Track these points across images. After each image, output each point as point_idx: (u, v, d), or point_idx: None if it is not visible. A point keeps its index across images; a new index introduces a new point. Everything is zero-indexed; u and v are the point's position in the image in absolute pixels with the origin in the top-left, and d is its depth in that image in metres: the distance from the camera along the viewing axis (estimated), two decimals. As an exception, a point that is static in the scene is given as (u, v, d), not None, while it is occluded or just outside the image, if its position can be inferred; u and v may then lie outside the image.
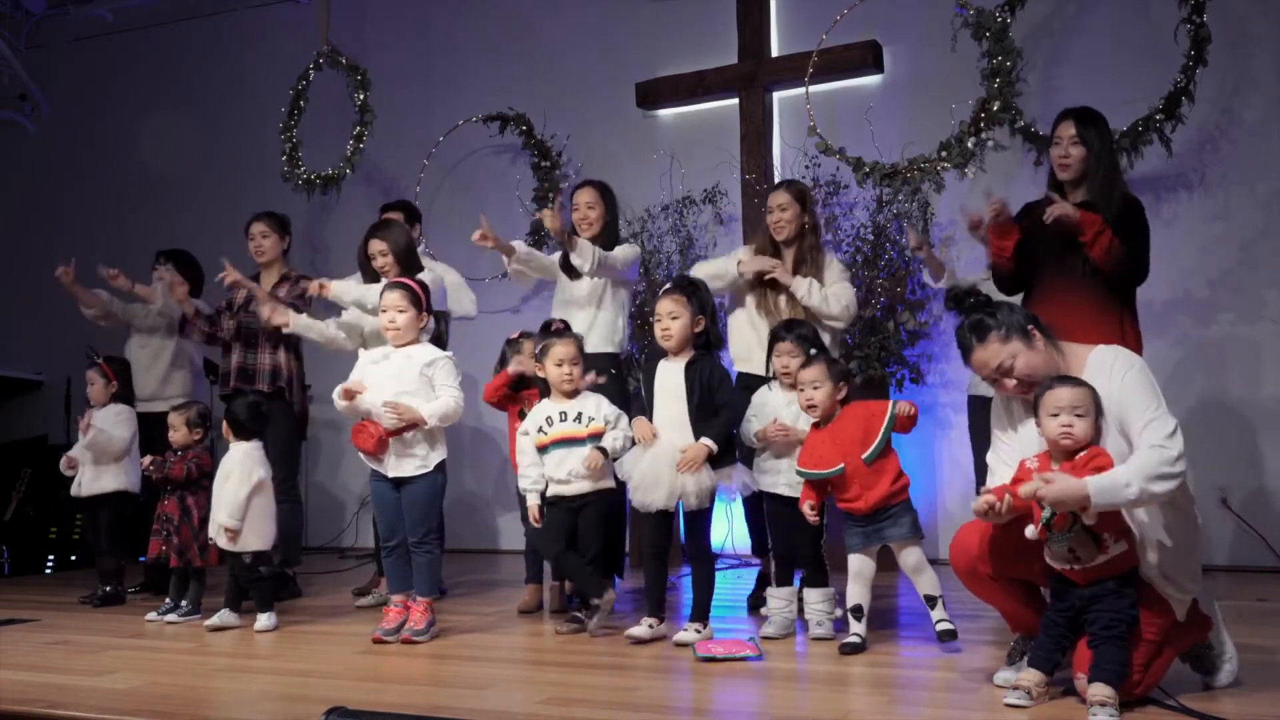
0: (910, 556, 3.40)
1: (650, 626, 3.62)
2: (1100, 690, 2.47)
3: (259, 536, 4.16)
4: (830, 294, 4.24)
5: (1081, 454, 2.59)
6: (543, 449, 3.82)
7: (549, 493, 3.83)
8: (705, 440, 3.57)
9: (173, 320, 5.45)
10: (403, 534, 3.83)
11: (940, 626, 3.33)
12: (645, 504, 3.64)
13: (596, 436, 3.77)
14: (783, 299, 4.31)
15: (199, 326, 5.14)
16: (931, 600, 3.37)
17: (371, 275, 4.46)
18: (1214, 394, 5.44)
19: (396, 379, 3.77)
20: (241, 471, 4.15)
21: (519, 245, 4.58)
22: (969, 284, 3.98)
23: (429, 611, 3.78)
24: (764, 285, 4.36)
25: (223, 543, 4.14)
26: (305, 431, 5.31)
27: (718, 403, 3.64)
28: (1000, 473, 2.80)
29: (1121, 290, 3.75)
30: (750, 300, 4.40)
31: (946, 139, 5.57)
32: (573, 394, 3.85)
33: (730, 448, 3.67)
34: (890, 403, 3.47)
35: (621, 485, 3.88)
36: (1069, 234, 3.62)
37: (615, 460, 3.76)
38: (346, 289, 4.47)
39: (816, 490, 3.51)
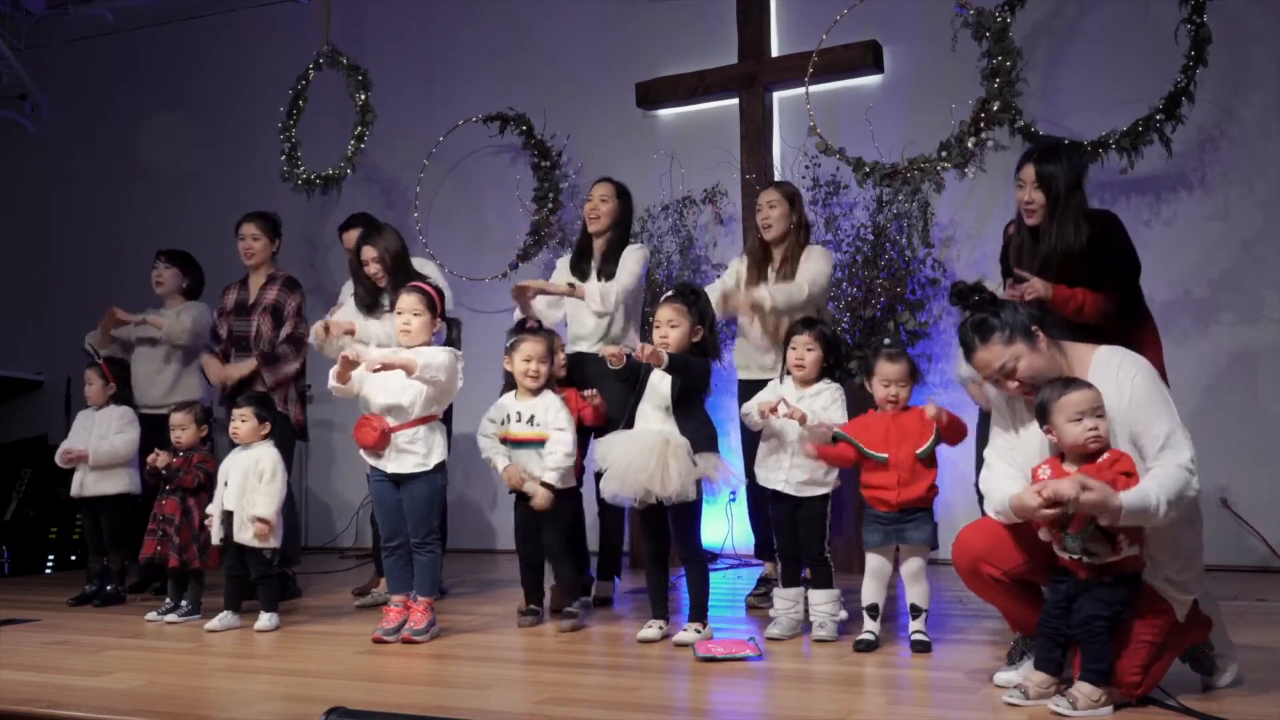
0: (915, 564, 3.43)
1: (659, 628, 3.64)
2: (1081, 689, 2.49)
3: (280, 534, 4.17)
4: (791, 285, 4.21)
5: (1103, 456, 2.56)
6: (502, 442, 4.00)
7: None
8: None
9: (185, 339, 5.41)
10: (404, 534, 3.83)
11: (916, 637, 3.37)
12: (616, 495, 3.60)
13: (541, 443, 3.90)
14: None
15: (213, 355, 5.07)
16: (916, 610, 3.40)
17: (365, 282, 4.54)
18: (1214, 394, 5.43)
19: (399, 373, 3.76)
20: (280, 469, 4.18)
21: (537, 304, 4.60)
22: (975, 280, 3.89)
23: (429, 611, 3.79)
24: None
25: (245, 538, 4.08)
26: (306, 433, 5.26)
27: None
28: (998, 468, 2.80)
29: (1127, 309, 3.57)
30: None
31: (946, 139, 5.57)
32: (536, 392, 3.98)
33: (710, 437, 3.63)
34: (933, 420, 3.41)
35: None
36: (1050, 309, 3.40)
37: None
38: (369, 330, 4.46)
39: (837, 454, 3.49)
